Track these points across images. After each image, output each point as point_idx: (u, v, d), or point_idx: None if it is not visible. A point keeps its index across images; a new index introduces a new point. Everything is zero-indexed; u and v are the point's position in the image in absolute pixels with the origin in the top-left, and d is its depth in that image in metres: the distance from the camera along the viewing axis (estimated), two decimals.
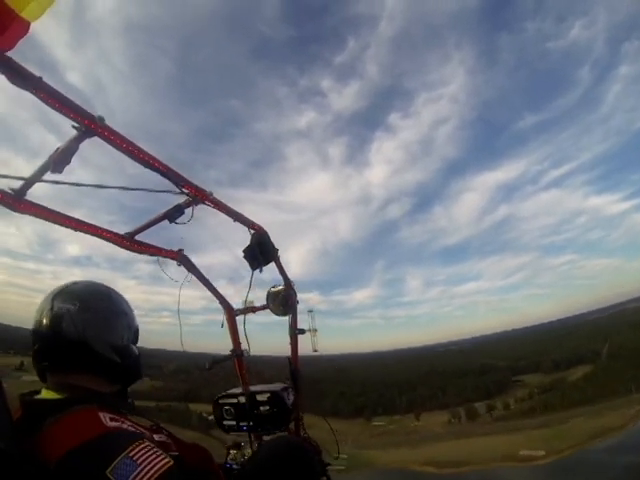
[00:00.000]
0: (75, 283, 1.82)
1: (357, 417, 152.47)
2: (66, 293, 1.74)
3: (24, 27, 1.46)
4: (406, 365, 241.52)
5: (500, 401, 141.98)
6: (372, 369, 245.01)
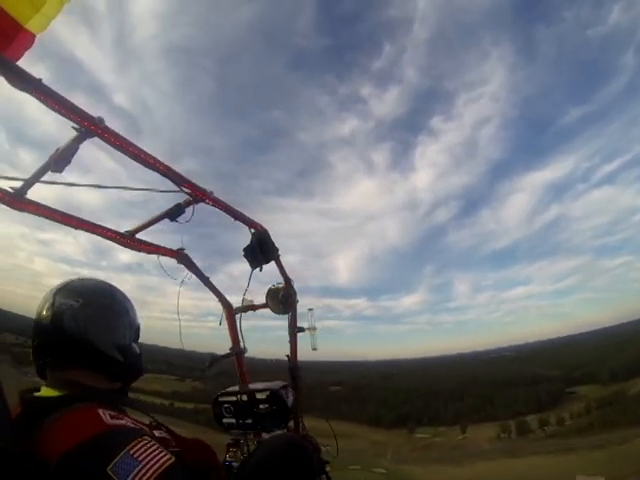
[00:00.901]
0: (78, 280, 1.83)
1: (399, 427, 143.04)
2: (68, 289, 1.74)
3: (29, 39, 1.48)
4: (454, 372, 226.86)
5: (553, 415, 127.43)
6: (418, 376, 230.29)
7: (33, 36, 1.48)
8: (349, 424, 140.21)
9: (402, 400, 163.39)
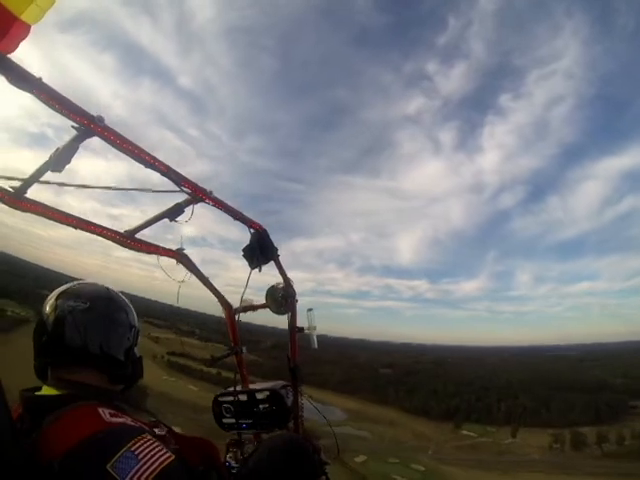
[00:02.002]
0: (78, 283, 1.89)
1: (446, 421, 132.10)
2: (70, 292, 1.79)
3: (24, 30, 1.47)
4: (509, 367, 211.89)
5: (613, 431, 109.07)
6: (472, 366, 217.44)
7: (28, 27, 1.47)
8: (394, 411, 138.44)
9: (452, 392, 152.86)
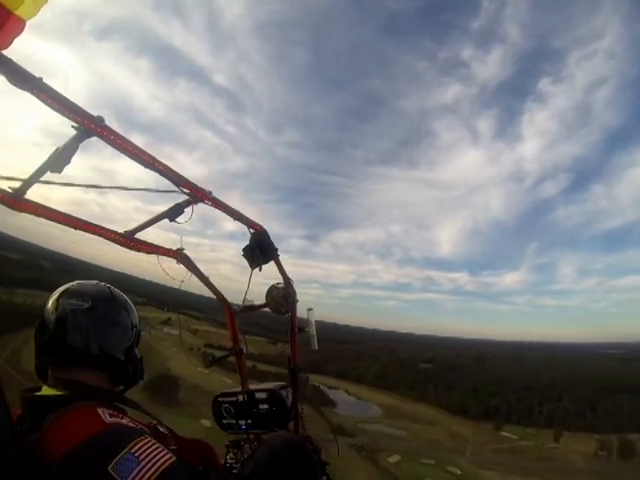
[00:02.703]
0: (80, 283, 1.89)
1: (486, 421, 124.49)
2: (72, 292, 1.80)
3: (19, 25, 1.45)
4: (552, 365, 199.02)
5: None
6: (512, 363, 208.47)
7: (23, 22, 1.46)
8: (432, 408, 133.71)
9: (493, 391, 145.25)
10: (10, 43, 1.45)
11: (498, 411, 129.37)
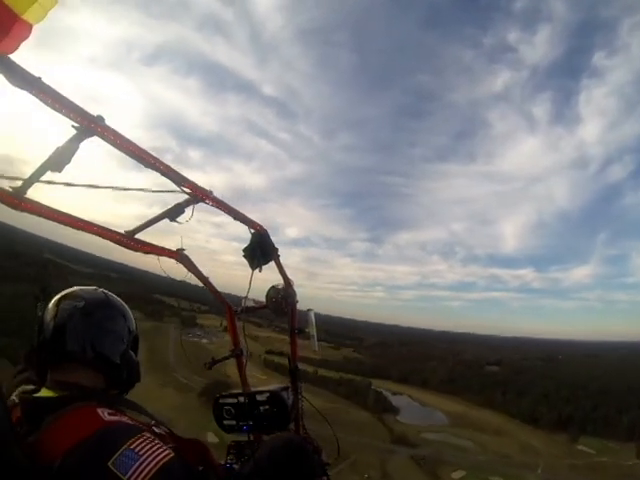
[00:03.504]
0: (79, 288, 1.95)
1: (559, 431, 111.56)
2: (71, 297, 1.86)
3: (26, 30, 1.46)
4: (628, 366, 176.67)
5: None
6: (585, 364, 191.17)
7: (30, 27, 1.47)
8: (500, 416, 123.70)
9: (565, 397, 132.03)
10: (17, 47, 1.46)
11: (572, 420, 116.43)
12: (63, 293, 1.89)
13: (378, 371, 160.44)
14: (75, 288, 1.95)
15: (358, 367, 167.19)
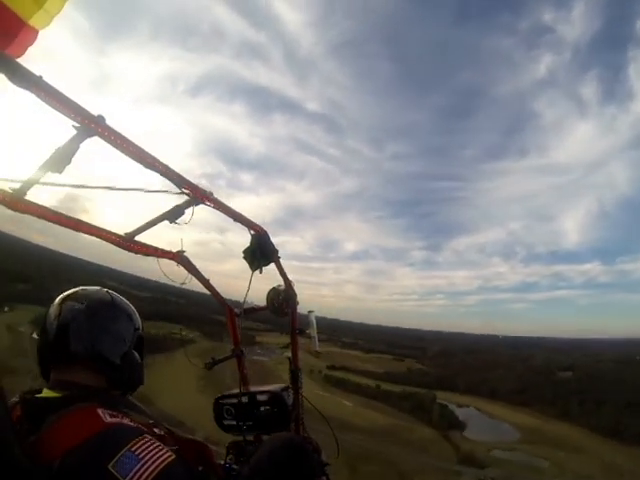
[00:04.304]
0: (82, 289, 1.94)
1: None
2: (74, 297, 1.86)
3: (32, 35, 1.49)
4: None
5: None
6: None
7: (36, 32, 1.47)
8: (578, 430, 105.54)
9: None
10: (23, 52, 1.48)
11: None
12: (67, 293, 1.88)
13: (443, 382, 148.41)
14: (79, 288, 1.93)
15: (422, 379, 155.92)
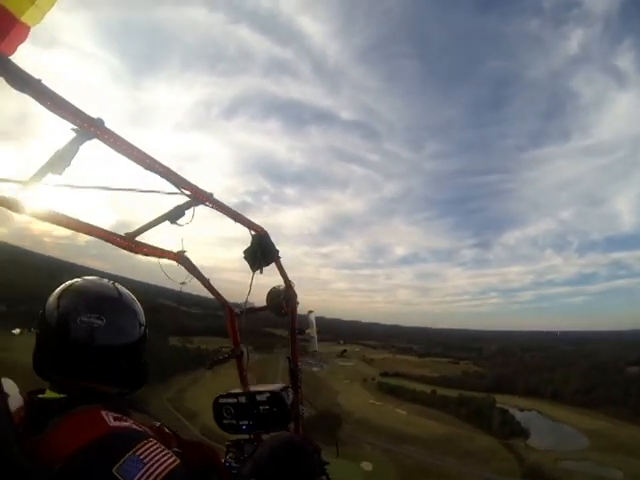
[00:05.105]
0: (83, 280, 1.81)
1: None
2: (72, 291, 1.72)
3: (24, 32, 1.49)
4: None
5: None
6: None
7: (28, 29, 1.47)
8: None
9: None
10: (15, 49, 1.46)
11: None
12: (63, 287, 1.74)
13: (501, 384, 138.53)
14: (76, 280, 1.80)
15: (479, 382, 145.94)
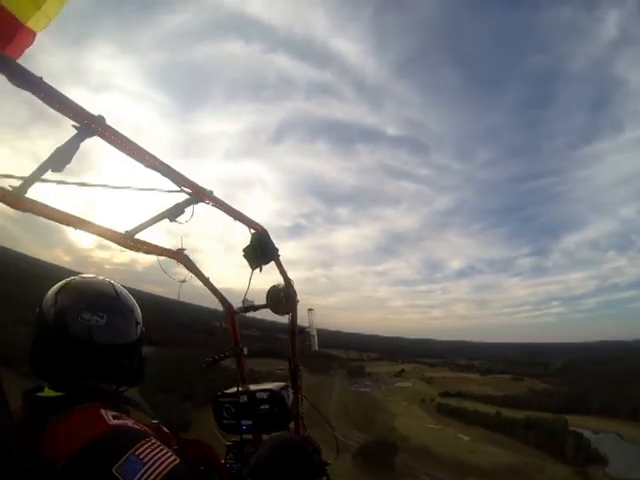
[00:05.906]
0: (80, 277, 1.81)
1: None
2: (70, 289, 1.72)
3: (30, 37, 1.51)
4: None
5: None
6: None
7: (34, 34, 1.49)
8: None
9: None
10: (21, 54, 1.48)
11: None
12: (60, 285, 1.74)
13: (572, 403, 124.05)
14: (73, 278, 1.80)
15: (548, 401, 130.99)
